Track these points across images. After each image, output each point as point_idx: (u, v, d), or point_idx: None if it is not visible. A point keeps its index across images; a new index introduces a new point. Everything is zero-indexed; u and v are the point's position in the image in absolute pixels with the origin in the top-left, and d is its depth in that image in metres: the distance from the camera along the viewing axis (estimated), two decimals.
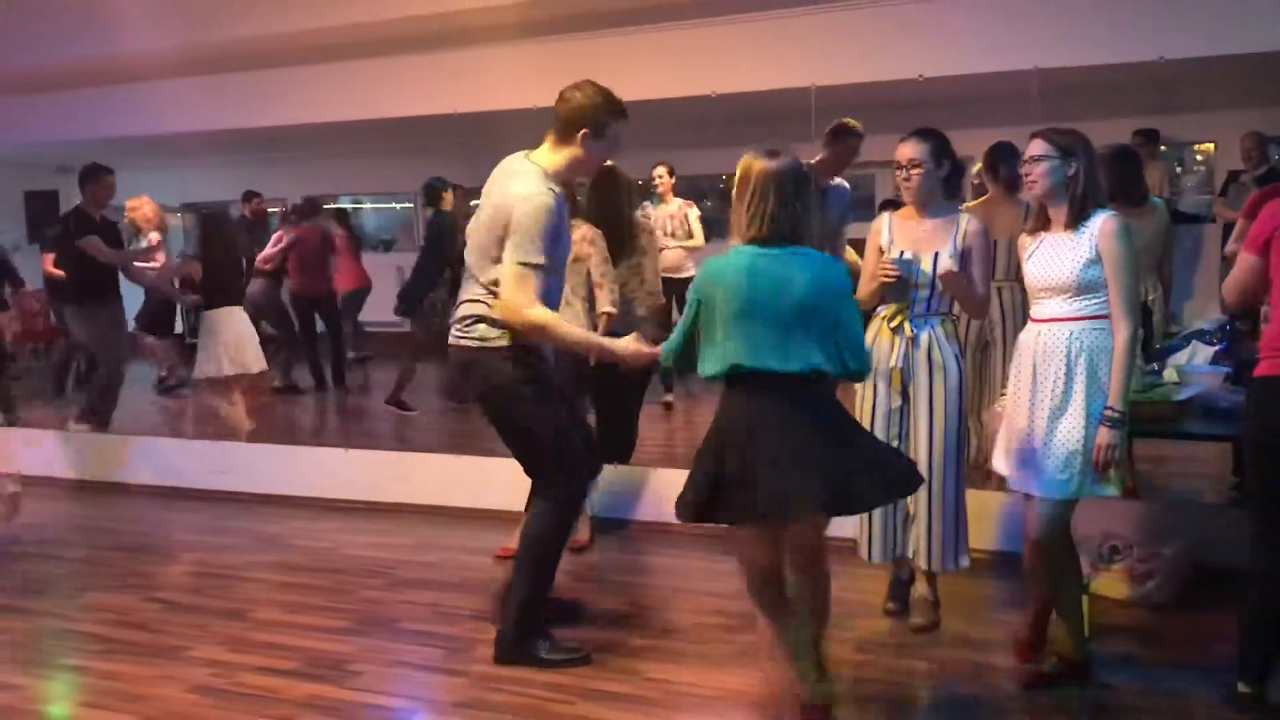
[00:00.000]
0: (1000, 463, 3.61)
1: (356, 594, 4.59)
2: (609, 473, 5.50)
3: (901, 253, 3.83)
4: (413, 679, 3.76)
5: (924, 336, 3.88)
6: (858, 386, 3.97)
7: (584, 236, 4.90)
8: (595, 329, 4.93)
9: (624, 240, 5.15)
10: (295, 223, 9.47)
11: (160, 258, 8.12)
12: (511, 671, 3.72)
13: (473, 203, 8.34)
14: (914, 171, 3.84)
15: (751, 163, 3.03)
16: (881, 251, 3.92)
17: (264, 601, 4.53)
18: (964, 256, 3.83)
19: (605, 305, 4.92)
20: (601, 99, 3.66)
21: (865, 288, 3.91)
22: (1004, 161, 5.18)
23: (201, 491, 6.43)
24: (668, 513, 5.36)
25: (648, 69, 5.55)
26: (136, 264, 7.56)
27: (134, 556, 5.31)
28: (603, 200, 5.22)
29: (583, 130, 3.65)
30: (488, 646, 3.84)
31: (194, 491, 6.45)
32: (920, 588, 4.10)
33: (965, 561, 3.98)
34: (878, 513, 3.98)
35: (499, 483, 5.37)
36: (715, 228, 12.22)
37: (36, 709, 3.65)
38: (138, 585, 4.80)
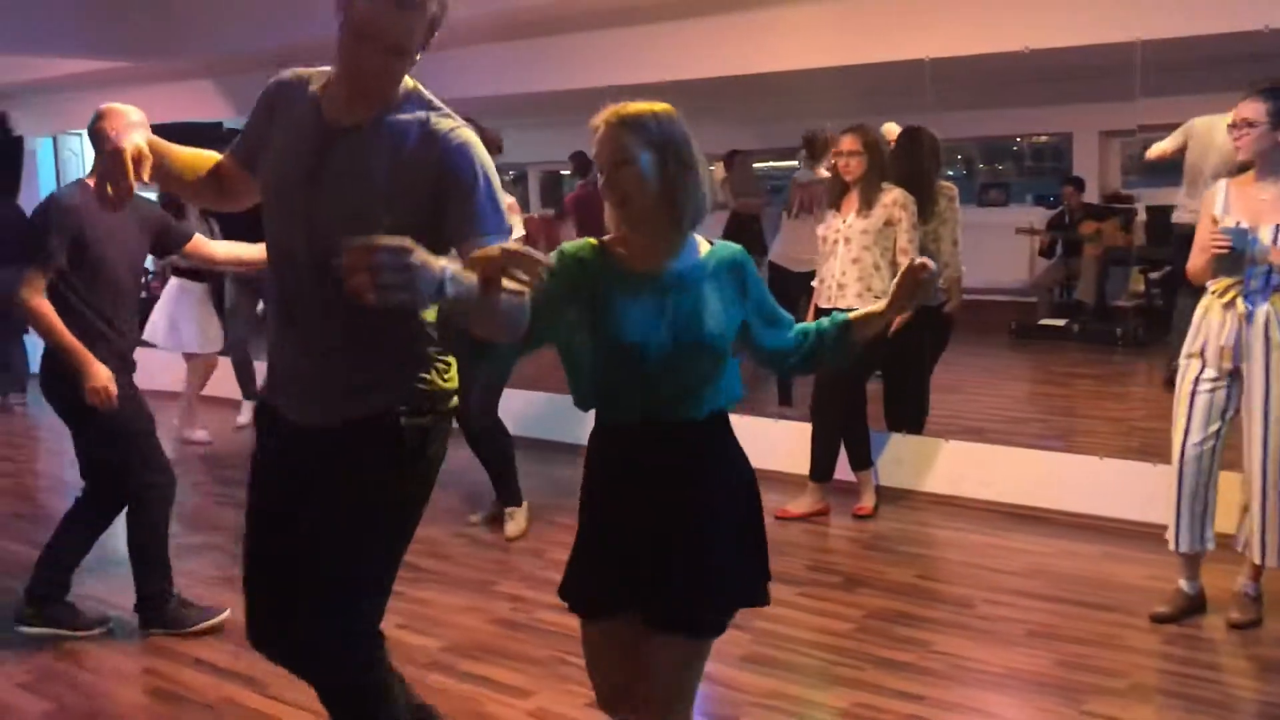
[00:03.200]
0: None
1: None
2: (897, 442, 5.41)
3: (1238, 223, 3.55)
4: None
5: (1260, 314, 3.57)
6: (1181, 363, 3.73)
7: (895, 200, 4.79)
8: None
9: (923, 205, 5.00)
10: None
11: None
12: (794, 631, 3.74)
13: (756, 165, 8.27)
14: (1244, 132, 3.58)
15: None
16: (1215, 221, 3.65)
17: (561, 544, 4.71)
18: None
19: None
20: None
21: (1197, 260, 3.68)
22: None
23: None
24: (956, 485, 5.31)
25: (954, 25, 5.31)
26: None
27: (445, 493, 5.64)
28: (904, 160, 5.10)
29: None
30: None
31: None
32: (1242, 581, 3.81)
33: None
34: (1187, 499, 3.73)
35: (773, 445, 5.37)
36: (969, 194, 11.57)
37: None
38: (446, 520, 5.10)
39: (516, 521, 4.95)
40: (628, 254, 2.19)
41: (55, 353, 3.68)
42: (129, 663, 3.70)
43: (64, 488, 5.57)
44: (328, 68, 2.20)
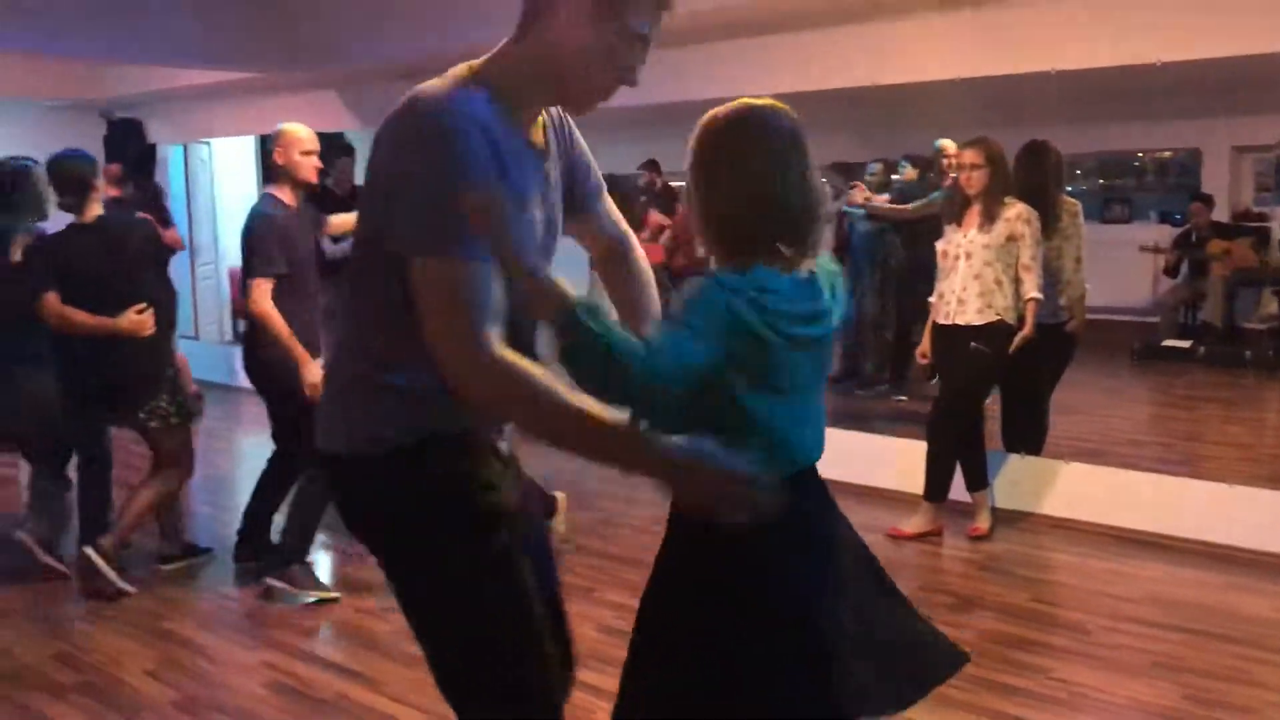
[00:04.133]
0: None
1: None
2: (1015, 463, 5.28)
3: None
4: None
5: None
6: None
7: (1018, 215, 4.70)
8: (1021, 317, 4.72)
9: (1045, 221, 4.89)
10: None
11: None
12: None
13: (894, 177, 8.18)
14: None
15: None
16: None
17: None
18: None
19: (1032, 291, 4.70)
20: None
21: None
22: None
23: None
24: (1074, 508, 5.16)
25: (1083, 37, 5.17)
26: None
27: None
28: (1027, 175, 4.99)
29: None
30: None
31: None
32: None
33: None
34: None
35: (887, 462, 5.29)
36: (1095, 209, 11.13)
37: None
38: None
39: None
40: None
41: (260, 338, 4.15)
42: (247, 655, 3.80)
43: (189, 486, 5.74)
44: (447, 80, 1.76)
